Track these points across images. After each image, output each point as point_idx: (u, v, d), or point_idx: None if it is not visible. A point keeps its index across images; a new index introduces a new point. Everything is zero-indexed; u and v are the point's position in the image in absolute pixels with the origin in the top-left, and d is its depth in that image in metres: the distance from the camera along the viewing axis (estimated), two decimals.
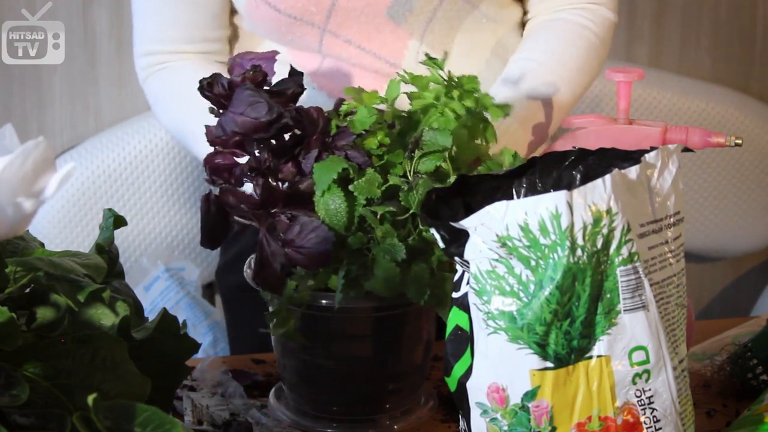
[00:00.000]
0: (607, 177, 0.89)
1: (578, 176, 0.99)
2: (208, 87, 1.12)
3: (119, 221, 1.01)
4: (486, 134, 1.14)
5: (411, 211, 1.06)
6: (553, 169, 1.00)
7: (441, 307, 1.06)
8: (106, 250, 0.98)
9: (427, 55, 1.14)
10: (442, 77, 1.12)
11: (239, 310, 1.44)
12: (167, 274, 2.43)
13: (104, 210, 1.02)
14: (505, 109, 1.14)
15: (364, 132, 1.11)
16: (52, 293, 0.88)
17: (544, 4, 1.37)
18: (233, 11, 1.38)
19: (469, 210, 0.93)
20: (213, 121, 1.11)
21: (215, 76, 1.13)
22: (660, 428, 0.93)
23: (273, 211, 1.08)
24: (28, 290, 0.90)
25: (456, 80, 1.12)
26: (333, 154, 1.09)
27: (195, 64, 1.35)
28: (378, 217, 1.06)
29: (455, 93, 1.12)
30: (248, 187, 1.10)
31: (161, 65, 1.37)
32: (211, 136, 1.11)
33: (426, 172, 1.08)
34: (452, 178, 1.08)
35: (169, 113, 1.36)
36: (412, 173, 1.09)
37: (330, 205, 1.06)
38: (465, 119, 1.12)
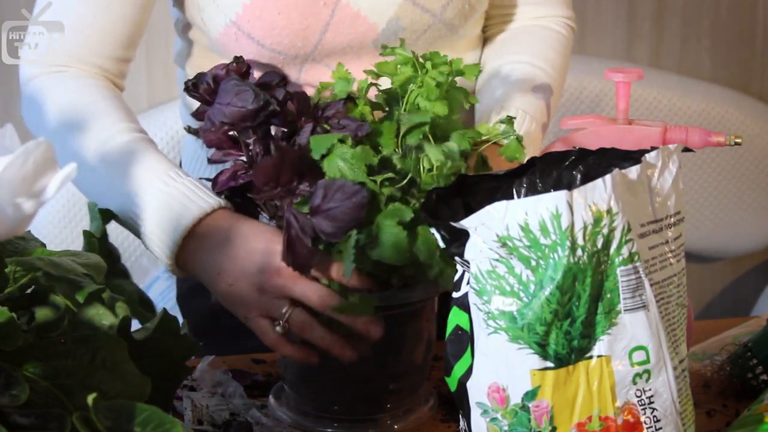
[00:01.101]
0: (608, 177, 0.89)
1: (578, 176, 0.99)
2: (193, 87, 1.13)
3: (105, 215, 1.01)
4: (468, 100, 1.15)
5: (409, 176, 1.06)
6: (553, 169, 1.00)
7: (447, 279, 1.04)
8: (97, 237, 0.98)
9: (383, 46, 1.15)
10: (409, 55, 1.13)
11: (209, 336, 1.41)
12: (167, 274, 2.43)
13: (88, 203, 1.03)
14: (474, 69, 1.13)
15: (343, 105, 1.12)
16: (52, 294, 0.88)
17: (521, 10, 1.41)
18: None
19: (469, 210, 0.93)
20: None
21: (199, 75, 1.13)
22: (660, 428, 0.93)
23: (291, 186, 1.07)
24: (28, 291, 0.90)
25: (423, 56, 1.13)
26: (326, 129, 1.09)
27: (92, 80, 1.27)
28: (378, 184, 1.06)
29: (428, 65, 1.12)
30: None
31: (56, 68, 1.28)
32: (204, 132, 1.11)
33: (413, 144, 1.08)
34: (438, 146, 1.07)
35: (53, 125, 1.25)
36: (401, 148, 1.09)
37: (339, 163, 1.06)
38: (445, 88, 1.12)
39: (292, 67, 1.28)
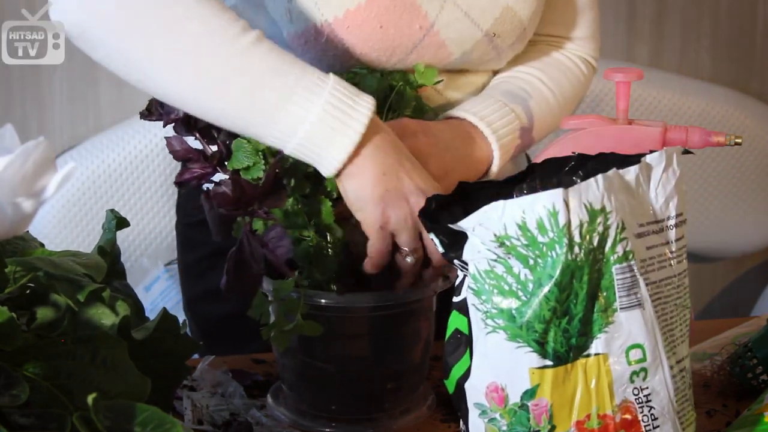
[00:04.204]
0: (600, 177, 0.90)
1: (578, 181, 0.99)
2: (148, 113, 1.14)
3: (122, 223, 1.01)
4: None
5: None
6: (553, 174, 1.00)
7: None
8: (108, 252, 0.98)
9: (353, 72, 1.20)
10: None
11: (217, 341, 1.40)
12: (167, 274, 2.43)
13: (107, 211, 1.02)
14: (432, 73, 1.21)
15: None
16: (52, 293, 0.88)
17: (554, 41, 1.42)
18: None
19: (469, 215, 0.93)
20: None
21: (151, 102, 1.15)
22: (657, 426, 0.93)
23: (250, 209, 1.08)
24: (28, 291, 0.90)
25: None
26: None
27: None
28: None
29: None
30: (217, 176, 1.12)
31: None
32: (172, 147, 1.13)
33: None
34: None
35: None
36: None
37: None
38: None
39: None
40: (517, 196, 1.00)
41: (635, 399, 0.92)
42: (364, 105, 1.08)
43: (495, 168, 1.25)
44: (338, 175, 1.08)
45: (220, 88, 1.08)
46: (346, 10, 1.21)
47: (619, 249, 0.91)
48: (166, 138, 1.13)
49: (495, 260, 0.91)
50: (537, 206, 0.89)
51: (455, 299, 0.97)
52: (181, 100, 1.10)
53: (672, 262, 0.95)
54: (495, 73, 1.37)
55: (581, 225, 0.89)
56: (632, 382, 0.92)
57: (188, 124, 1.13)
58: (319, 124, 1.06)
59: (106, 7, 1.09)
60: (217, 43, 1.07)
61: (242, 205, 1.07)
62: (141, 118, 1.15)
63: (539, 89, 1.34)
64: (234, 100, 1.08)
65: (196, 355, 1.21)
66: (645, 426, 0.93)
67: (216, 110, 1.09)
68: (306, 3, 1.22)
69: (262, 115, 1.07)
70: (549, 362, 0.91)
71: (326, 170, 1.08)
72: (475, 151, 1.24)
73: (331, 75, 1.08)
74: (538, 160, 1.28)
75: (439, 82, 1.24)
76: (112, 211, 1.02)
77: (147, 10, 1.07)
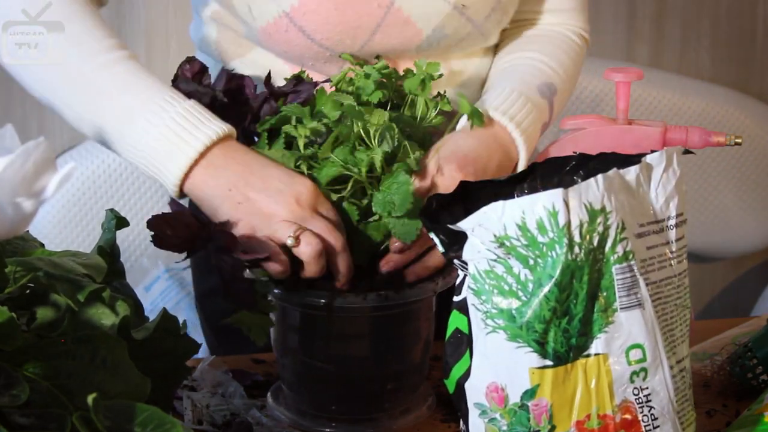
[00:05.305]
0: (600, 177, 0.90)
1: (579, 181, 0.99)
2: None
3: (121, 222, 1.01)
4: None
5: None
6: (554, 174, 1.00)
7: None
8: (108, 252, 0.98)
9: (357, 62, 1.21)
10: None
11: (227, 336, 1.40)
12: (167, 275, 2.43)
13: (106, 211, 1.03)
14: (435, 67, 1.21)
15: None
16: (52, 293, 0.88)
17: (539, 18, 1.41)
18: None
19: (470, 215, 0.93)
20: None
21: None
22: (657, 426, 0.93)
23: (200, 240, 1.09)
24: (28, 291, 0.90)
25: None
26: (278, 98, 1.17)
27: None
28: None
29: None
30: None
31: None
32: None
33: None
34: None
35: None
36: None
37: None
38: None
39: (333, 64, 1.28)
40: (517, 196, 1.00)
41: (635, 399, 0.92)
42: (213, 129, 1.10)
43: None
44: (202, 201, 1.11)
45: (75, 99, 1.15)
46: None
47: (619, 249, 0.91)
48: None
49: (495, 260, 0.91)
50: (537, 206, 0.89)
51: (455, 299, 0.97)
52: (51, 105, 1.17)
53: (672, 262, 0.95)
54: (494, 51, 1.36)
55: (581, 225, 0.89)
56: (632, 382, 0.92)
57: None
58: (160, 140, 1.10)
59: None
60: (78, 56, 1.14)
61: (187, 245, 1.09)
62: None
63: (548, 74, 1.33)
64: (87, 111, 1.14)
65: (200, 355, 1.21)
66: (645, 426, 0.93)
67: (76, 120, 1.15)
68: None
69: (111, 128, 1.12)
70: (549, 362, 0.91)
71: (168, 186, 1.12)
72: (506, 166, 1.24)
73: (192, 101, 1.11)
74: (539, 160, 1.29)
75: (440, 76, 1.23)
76: (112, 210, 1.02)
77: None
